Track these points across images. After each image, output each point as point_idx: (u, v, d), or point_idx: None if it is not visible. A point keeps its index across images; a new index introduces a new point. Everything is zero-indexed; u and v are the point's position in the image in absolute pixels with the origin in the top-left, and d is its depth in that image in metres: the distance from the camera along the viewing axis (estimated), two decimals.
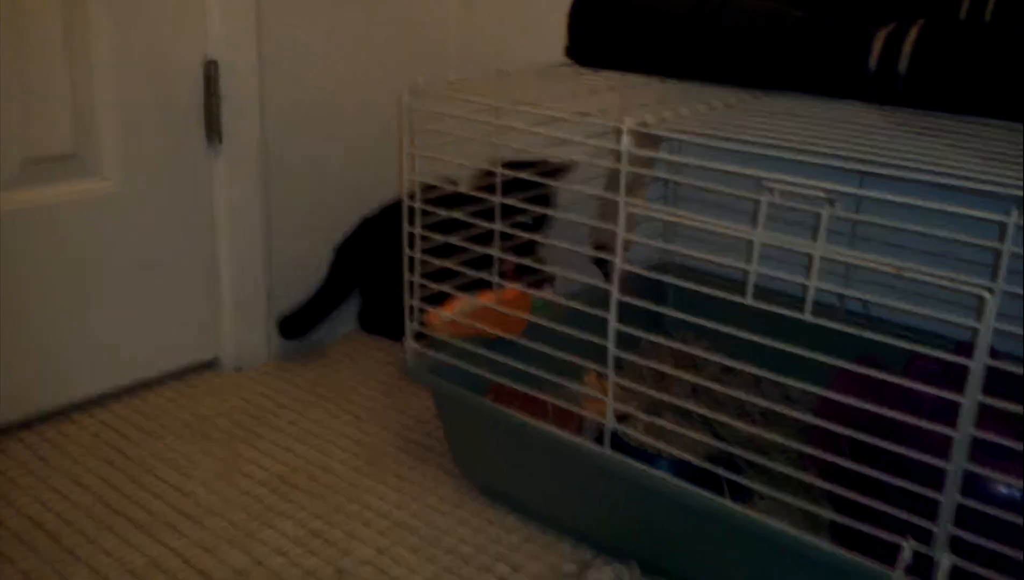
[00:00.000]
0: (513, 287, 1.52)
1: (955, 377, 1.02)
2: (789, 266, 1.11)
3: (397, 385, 1.87)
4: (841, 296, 1.71)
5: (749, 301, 1.11)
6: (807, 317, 1.07)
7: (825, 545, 1.12)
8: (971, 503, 1.00)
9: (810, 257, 1.06)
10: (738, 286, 1.14)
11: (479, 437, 1.47)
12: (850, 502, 1.14)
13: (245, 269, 1.88)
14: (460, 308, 1.46)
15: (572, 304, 1.35)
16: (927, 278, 0.97)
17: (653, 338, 1.31)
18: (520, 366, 1.35)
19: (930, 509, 1.03)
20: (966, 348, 0.98)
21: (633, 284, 1.94)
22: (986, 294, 0.93)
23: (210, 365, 1.91)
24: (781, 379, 1.21)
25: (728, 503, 1.21)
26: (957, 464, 0.98)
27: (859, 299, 1.67)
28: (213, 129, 1.77)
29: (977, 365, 0.95)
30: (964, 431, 0.97)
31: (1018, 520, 0.98)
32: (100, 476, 1.50)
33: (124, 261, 1.71)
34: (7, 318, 1.57)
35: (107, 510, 1.42)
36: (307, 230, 1.99)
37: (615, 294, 1.23)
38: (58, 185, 1.61)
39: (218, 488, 1.48)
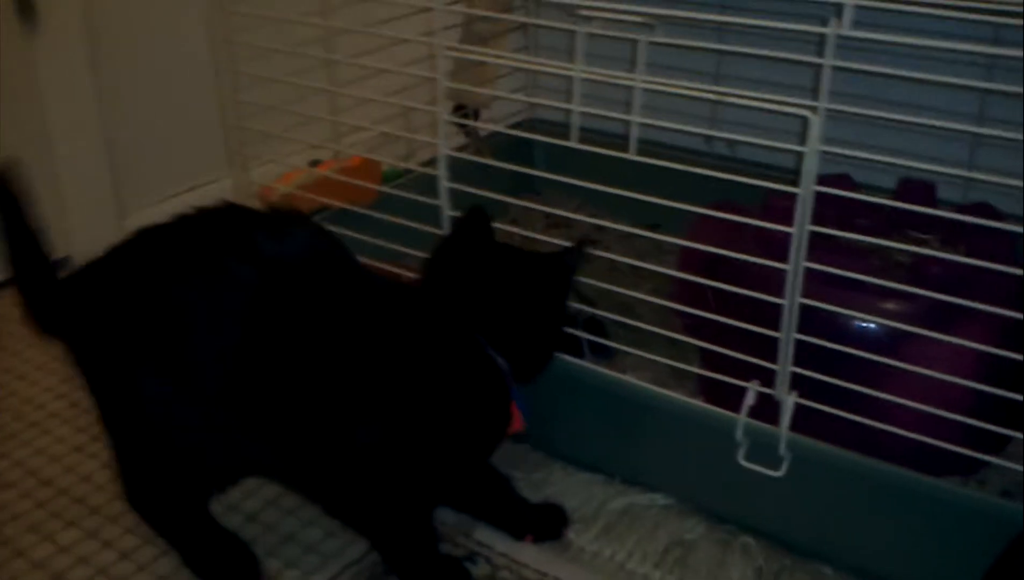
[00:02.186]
0: (358, 154, 1.42)
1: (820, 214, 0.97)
2: (659, 114, 1.03)
3: None
4: (709, 139, 1.65)
5: (632, 153, 1.03)
6: (633, 156, 1.00)
7: (673, 396, 1.08)
8: (810, 339, 0.96)
9: (633, 91, 0.99)
10: (608, 139, 1.06)
11: None
12: (716, 355, 1.10)
13: (85, 163, 1.75)
14: (299, 179, 1.36)
15: (425, 169, 1.26)
16: (748, 103, 0.90)
17: (521, 202, 1.26)
18: (371, 240, 1.27)
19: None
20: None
21: (499, 144, 1.87)
22: (809, 114, 0.86)
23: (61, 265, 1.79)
24: (648, 234, 1.15)
25: (585, 363, 1.16)
26: (790, 299, 0.94)
27: (725, 140, 1.62)
28: (26, 5, 1.61)
29: (805, 191, 0.89)
30: (795, 264, 0.92)
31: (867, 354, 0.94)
32: None
33: None
34: None
35: None
36: (151, 119, 1.85)
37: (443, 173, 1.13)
38: None
39: (66, 393, 1.40)
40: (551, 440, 1.25)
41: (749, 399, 1.00)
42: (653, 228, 1.70)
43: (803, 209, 0.89)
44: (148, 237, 0.93)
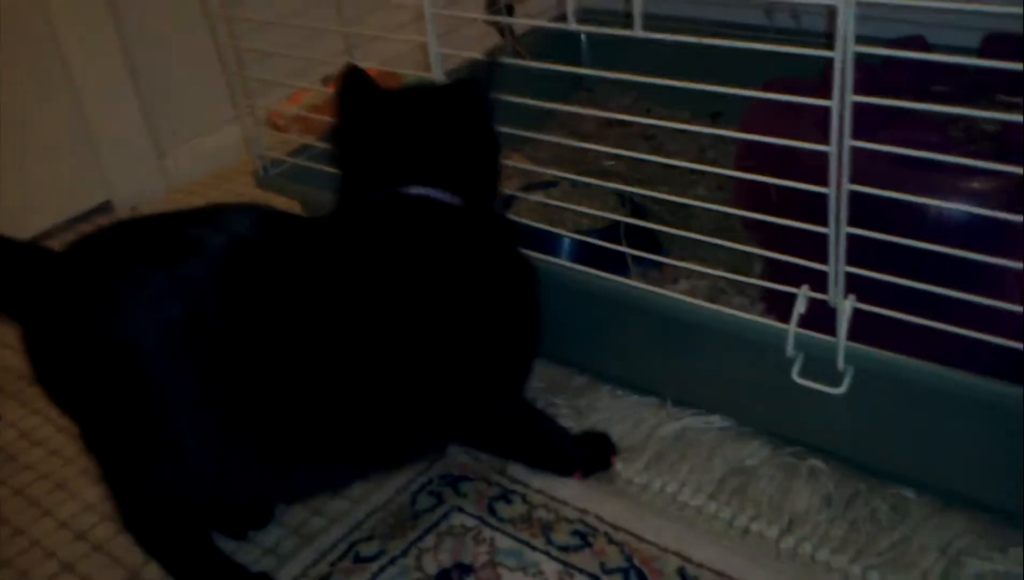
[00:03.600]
0: (372, 66, 1.30)
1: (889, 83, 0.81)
2: None
3: None
4: (770, 11, 1.46)
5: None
6: (638, 34, 0.85)
7: (721, 310, 0.94)
8: (864, 233, 0.80)
9: None
10: (659, 23, 0.90)
11: None
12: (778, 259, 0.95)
13: (116, 107, 1.69)
14: (308, 99, 1.25)
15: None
16: None
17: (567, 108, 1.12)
18: None
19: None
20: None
21: (542, 42, 1.71)
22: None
23: (103, 209, 1.75)
24: (708, 131, 1.01)
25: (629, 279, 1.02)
26: (836, 186, 0.79)
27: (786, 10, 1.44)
28: None
29: (842, 55, 0.73)
30: (838, 144, 0.77)
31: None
32: None
33: None
34: None
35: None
36: (174, 54, 1.76)
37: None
38: None
39: None
40: (597, 362, 1.13)
41: (799, 306, 0.86)
42: (714, 118, 1.55)
43: (842, 77, 0.73)
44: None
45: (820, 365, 0.86)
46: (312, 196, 1.22)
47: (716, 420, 1.06)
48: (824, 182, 0.80)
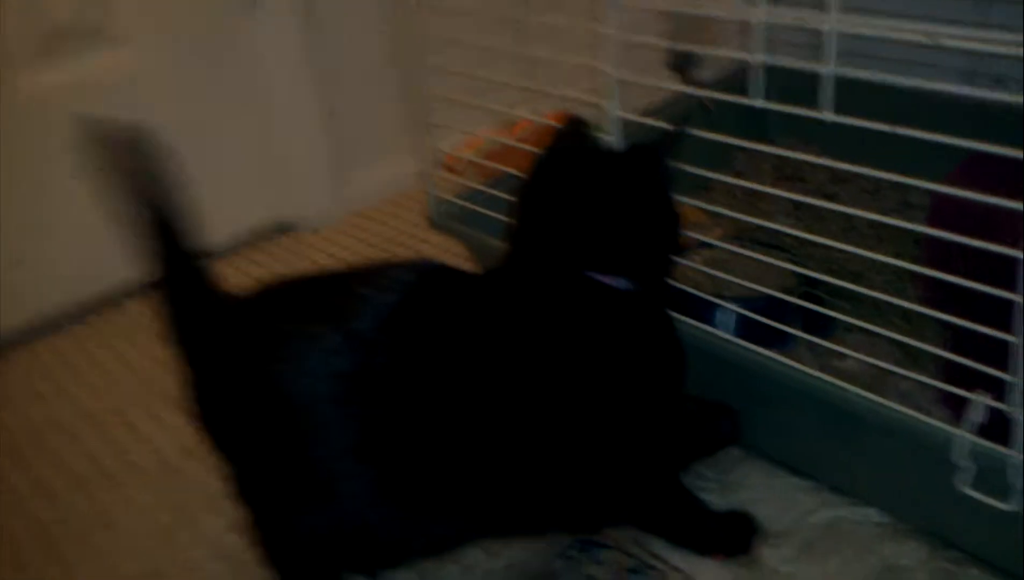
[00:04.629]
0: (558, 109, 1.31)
1: None
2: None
3: None
4: (972, 78, 1.38)
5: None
6: (827, 117, 0.82)
7: (885, 403, 0.89)
8: None
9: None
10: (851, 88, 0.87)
11: None
12: (964, 339, 0.89)
13: (299, 126, 1.77)
14: (481, 146, 1.28)
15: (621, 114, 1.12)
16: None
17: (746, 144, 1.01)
18: None
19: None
20: None
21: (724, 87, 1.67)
22: None
23: (287, 228, 1.83)
24: (900, 178, 0.91)
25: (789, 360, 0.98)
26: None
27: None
28: None
29: None
30: None
31: None
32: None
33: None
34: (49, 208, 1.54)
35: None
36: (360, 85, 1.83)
37: None
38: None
39: None
40: (751, 435, 1.10)
41: (976, 414, 0.81)
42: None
43: None
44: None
45: (991, 475, 0.81)
46: (479, 240, 1.25)
47: (873, 513, 1.00)
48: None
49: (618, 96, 0.99)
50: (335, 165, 1.83)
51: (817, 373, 0.96)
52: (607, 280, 0.88)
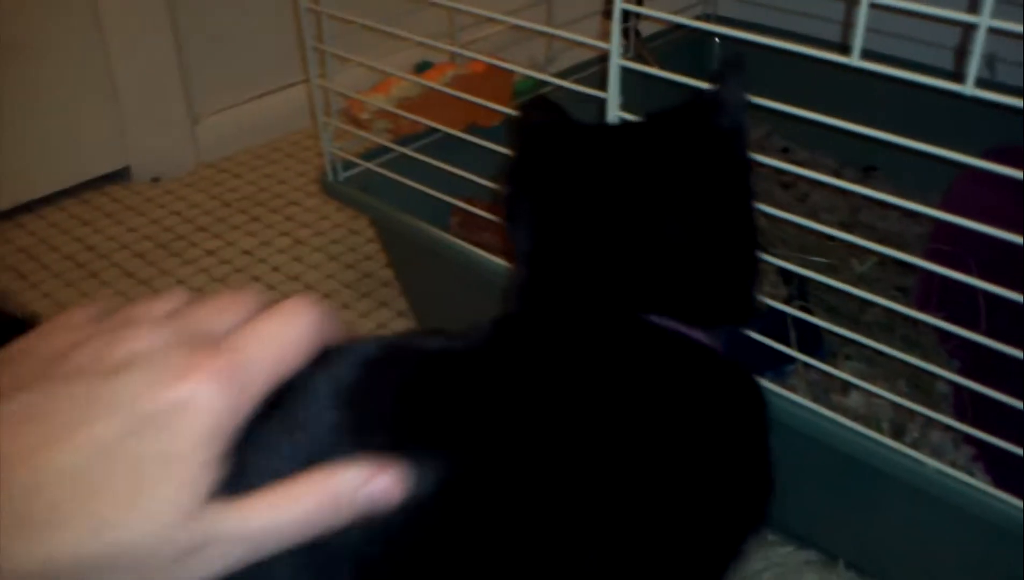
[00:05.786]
0: (480, 59, 1.03)
1: None
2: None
3: None
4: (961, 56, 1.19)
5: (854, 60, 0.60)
6: (855, 61, 0.58)
7: (915, 456, 0.68)
8: None
9: None
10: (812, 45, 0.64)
11: (442, 282, 1.03)
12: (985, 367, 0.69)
13: (147, 58, 1.41)
14: (397, 89, 0.98)
15: (568, 83, 0.85)
16: None
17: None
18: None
19: None
20: None
21: (666, 48, 1.44)
22: None
23: (119, 176, 1.48)
24: (875, 196, 0.70)
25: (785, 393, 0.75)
26: None
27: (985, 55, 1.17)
28: None
29: None
30: None
31: None
32: None
33: None
34: None
35: None
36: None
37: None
38: None
39: None
40: None
41: None
42: (867, 172, 1.28)
43: None
44: None
45: None
46: (387, 214, 0.95)
47: None
48: None
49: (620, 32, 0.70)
50: (190, 99, 1.48)
51: (820, 410, 0.73)
52: (686, 330, 0.57)
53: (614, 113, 0.70)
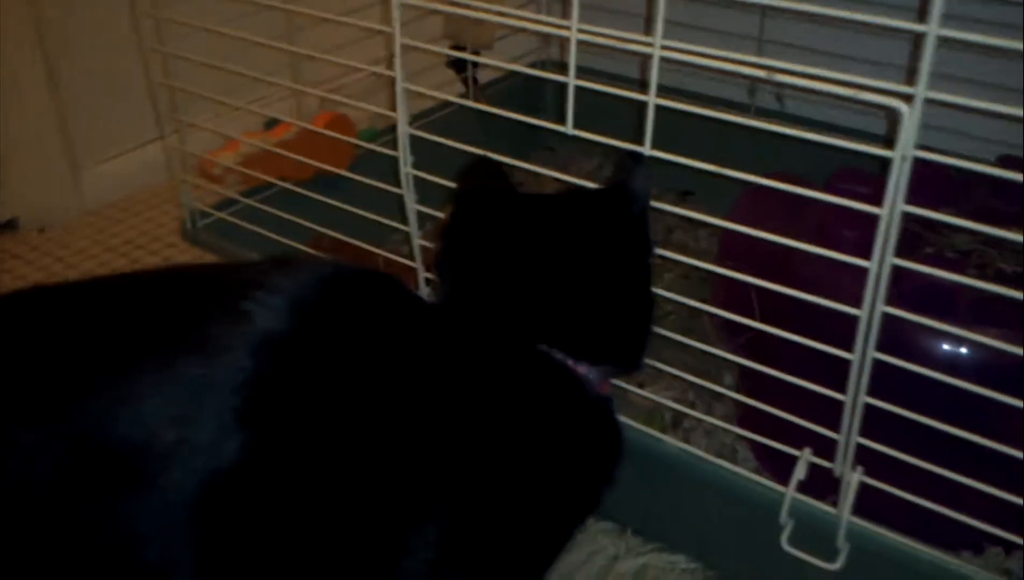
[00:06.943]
0: (328, 110, 1.17)
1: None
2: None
3: None
4: (752, 90, 1.37)
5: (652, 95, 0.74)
6: (658, 100, 0.73)
7: (691, 451, 0.84)
8: (883, 405, 0.70)
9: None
10: (632, 87, 0.78)
11: None
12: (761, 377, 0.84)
13: (27, 113, 1.51)
14: (245, 146, 1.11)
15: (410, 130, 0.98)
16: (812, 84, 0.63)
17: (527, 165, 0.89)
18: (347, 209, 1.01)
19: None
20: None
21: (502, 93, 1.58)
22: (901, 106, 0.60)
23: (7, 227, 1.57)
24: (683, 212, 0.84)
25: None
26: (862, 348, 0.68)
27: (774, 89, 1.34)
28: None
29: (889, 210, 0.63)
30: (869, 309, 0.66)
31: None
32: None
33: None
34: None
35: None
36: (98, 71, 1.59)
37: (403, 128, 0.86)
38: None
39: None
40: None
41: (799, 472, 0.75)
42: (683, 196, 1.44)
43: (885, 236, 0.63)
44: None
45: (813, 533, 0.76)
46: (239, 258, 1.08)
47: (681, 560, 0.94)
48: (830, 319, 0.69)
49: (407, 103, 0.84)
50: (71, 152, 1.58)
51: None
52: (570, 362, 0.71)
53: (406, 171, 0.84)
